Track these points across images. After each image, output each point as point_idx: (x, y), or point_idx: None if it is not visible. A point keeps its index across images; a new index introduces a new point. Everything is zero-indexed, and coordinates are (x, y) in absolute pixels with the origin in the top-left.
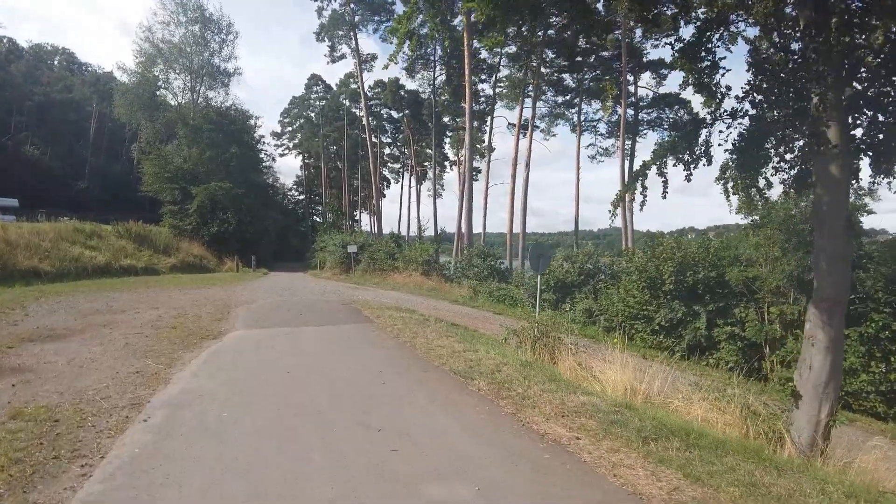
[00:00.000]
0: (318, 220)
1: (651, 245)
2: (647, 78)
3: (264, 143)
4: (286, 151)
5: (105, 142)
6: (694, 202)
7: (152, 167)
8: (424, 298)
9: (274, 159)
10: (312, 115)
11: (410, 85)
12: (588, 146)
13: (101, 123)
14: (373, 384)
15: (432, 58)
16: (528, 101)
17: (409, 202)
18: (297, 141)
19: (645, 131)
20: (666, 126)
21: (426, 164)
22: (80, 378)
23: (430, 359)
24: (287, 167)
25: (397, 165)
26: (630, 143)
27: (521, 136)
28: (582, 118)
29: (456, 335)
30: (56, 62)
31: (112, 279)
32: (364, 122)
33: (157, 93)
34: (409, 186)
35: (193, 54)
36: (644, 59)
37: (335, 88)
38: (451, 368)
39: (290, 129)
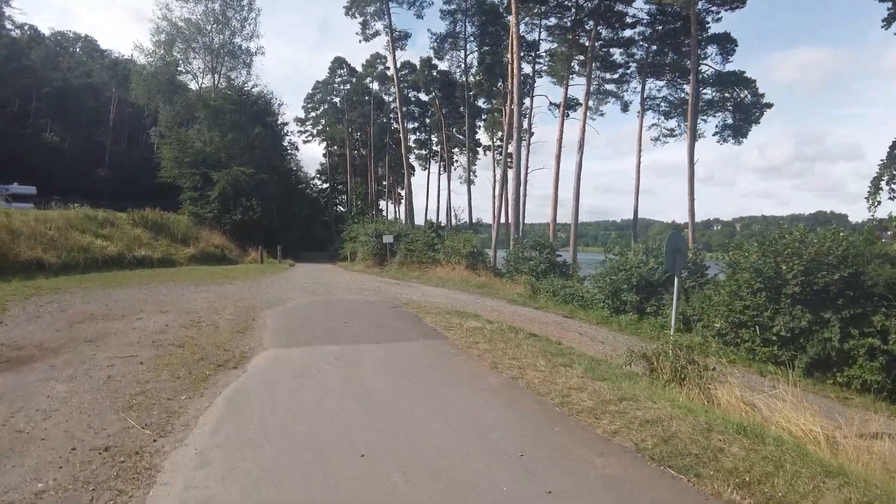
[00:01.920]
0: (341, 209)
1: (765, 238)
2: (711, 53)
3: (287, 131)
4: (310, 138)
5: (125, 128)
6: (716, 192)
7: (171, 152)
8: (477, 297)
9: (297, 147)
10: (337, 100)
11: (440, 67)
12: (650, 126)
13: (120, 109)
14: (527, 493)
15: (462, 36)
16: (575, 80)
17: (439, 191)
18: (320, 127)
19: (706, 110)
20: (730, 107)
21: (455, 150)
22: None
23: (577, 417)
24: (308, 157)
25: (423, 152)
26: (693, 122)
27: (565, 117)
28: (639, 96)
29: (571, 362)
30: (78, 49)
31: (123, 272)
32: (396, 102)
33: (177, 75)
34: (438, 174)
35: (213, 32)
36: (708, 32)
37: (360, 70)
38: (636, 445)
39: (313, 114)
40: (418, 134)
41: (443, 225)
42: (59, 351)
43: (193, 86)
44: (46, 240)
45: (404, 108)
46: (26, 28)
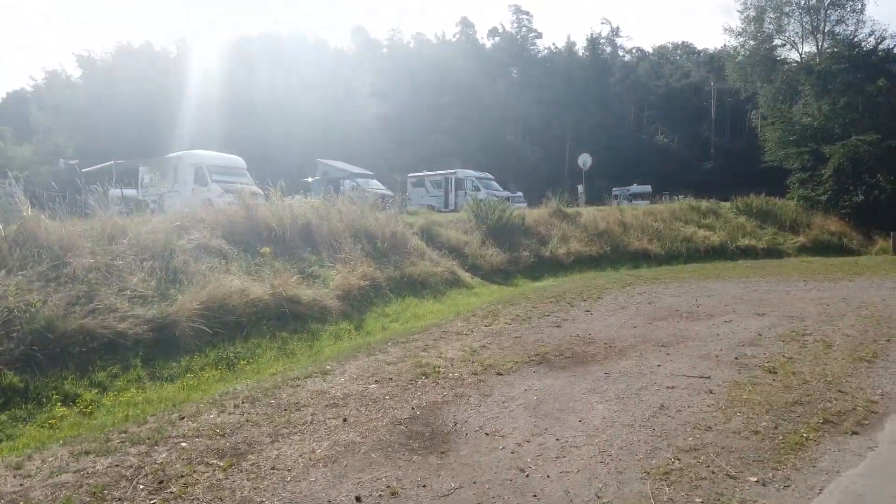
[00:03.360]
0: None
1: None
2: None
3: None
4: None
5: (726, 119)
6: None
7: (774, 132)
8: None
9: None
10: None
11: None
12: None
13: (720, 101)
14: None
15: None
16: None
17: None
18: None
19: None
20: None
21: None
22: None
23: None
24: None
25: None
26: None
27: None
28: None
29: None
30: (678, 56)
31: (724, 262)
32: None
33: (772, 50)
34: None
35: None
36: None
37: None
38: None
39: None
40: None
41: None
42: (624, 353)
43: (794, 56)
44: (652, 231)
45: None
46: (634, 51)
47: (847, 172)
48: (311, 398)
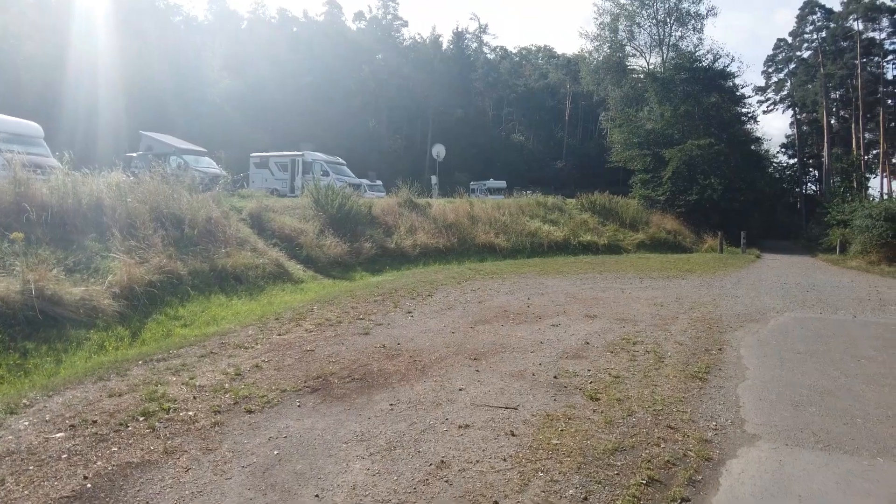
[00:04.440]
0: (812, 188)
1: None
2: None
3: (745, 94)
4: (771, 107)
5: (579, 122)
6: None
7: (621, 134)
8: None
9: (755, 119)
10: (807, 54)
11: None
12: None
13: (574, 103)
14: None
15: None
16: None
17: None
18: (785, 91)
19: None
20: None
21: None
22: None
23: None
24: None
25: None
26: None
27: None
28: None
29: None
30: (539, 59)
31: (566, 257)
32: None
33: (623, 58)
34: None
35: (658, 1)
36: None
37: (839, 10)
38: None
39: (776, 78)
40: None
41: None
42: (427, 371)
43: (641, 63)
44: (500, 225)
45: None
46: (498, 49)
47: (683, 174)
48: None
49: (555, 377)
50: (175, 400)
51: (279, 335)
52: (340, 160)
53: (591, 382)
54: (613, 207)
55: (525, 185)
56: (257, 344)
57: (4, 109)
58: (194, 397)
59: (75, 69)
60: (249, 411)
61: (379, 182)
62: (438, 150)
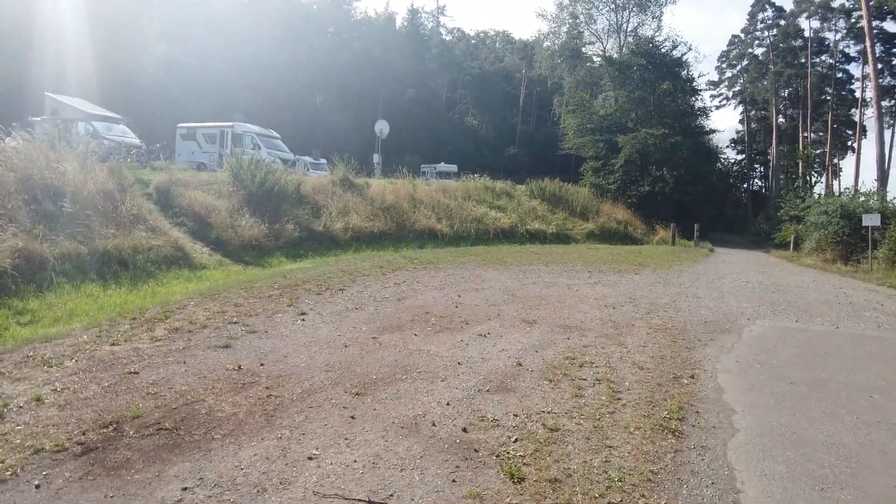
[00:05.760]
0: (759, 184)
1: None
2: None
3: (698, 88)
4: (724, 102)
5: (534, 108)
6: None
7: (574, 119)
8: None
9: (707, 113)
10: (759, 51)
11: None
12: None
13: (528, 89)
14: None
15: None
16: None
17: None
18: (737, 88)
19: None
20: None
21: None
22: None
23: None
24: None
25: (892, 103)
26: None
27: None
28: None
29: None
30: (497, 44)
31: (511, 245)
32: (847, 39)
33: (580, 44)
34: None
35: None
36: None
37: (792, 8)
38: None
39: (729, 73)
40: (888, 78)
41: None
42: (274, 417)
43: (597, 49)
44: (443, 209)
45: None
46: (455, 31)
47: (636, 164)
48: None
49: (464, 430)
50: None
51: (111, 345)
52: (274, 133)
53: (515, 441)
54: (563, 195)
55: (477, 170)
56: (71, 360)
57: None
58: None
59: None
60: None
61: (323, 161)
62: (381, 127)
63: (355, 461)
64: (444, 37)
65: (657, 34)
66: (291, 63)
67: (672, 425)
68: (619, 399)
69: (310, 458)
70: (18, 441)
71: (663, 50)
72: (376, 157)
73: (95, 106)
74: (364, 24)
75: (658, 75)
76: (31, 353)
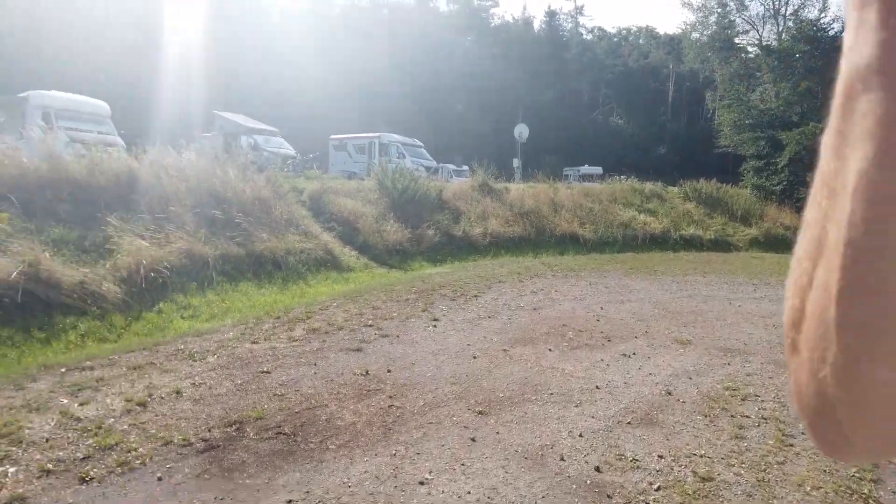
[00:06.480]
0: None
1: None
2: None
3: None
4: None
5: (684, 105)
6: None
7: (730, 114)
8: None
9: None
10: None
11: None
12: None
13: (677, 85)
14: None
15: None
16: None
17: None
18: None
19: None
20: None
21: None
22: None
23: None
24: None
25: None
26: None
27: None
28: None
29: None
30: (640, 40)
31: (664, 253)
32: None
33: (731, 32)
34: None
35: None
36: None
37: None
38: None
39: None
40: None
41: None
42: (392, 432)
43: (753, 37)
44: (586, 213)
45: None
46: (595, 30)
47: (803, 163)
48: None
49: (597, 469)
50: (21, 442)
51: (251, 343)
52: (418, 142)
53: (657, 489)
54: (722, 197)
55: (624, 172)
56: (213, 355)
57: (85, 90)
58: (47, 440)
59: (162, 54)
60: (83, 480)
61: (465, 168)
62: (521, 131)
63: (469, 493)
64: (584, 36)
65: (823, 15)
66: (431, 73)
67: (864, 489)
68: (790, 445)
69: (421, 483)
70: (153, 431)
71: (831, 33)
72: (516, 162)
73: (255, 121)
74: (502, 30)
75: (827, 62)
76: (182, 346)
